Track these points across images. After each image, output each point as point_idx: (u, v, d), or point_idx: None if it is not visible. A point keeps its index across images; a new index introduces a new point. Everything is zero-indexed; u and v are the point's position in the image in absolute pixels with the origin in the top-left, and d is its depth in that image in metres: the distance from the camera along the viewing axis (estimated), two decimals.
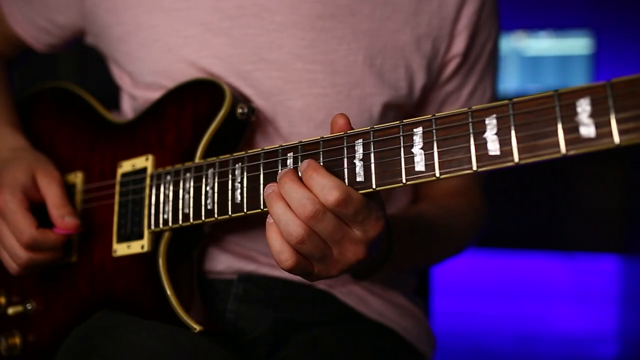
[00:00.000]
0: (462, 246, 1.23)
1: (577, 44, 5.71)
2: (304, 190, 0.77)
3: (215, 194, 0.93)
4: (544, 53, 5.82)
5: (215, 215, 0.93)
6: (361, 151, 0.80)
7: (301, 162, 0.80)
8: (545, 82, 5.75)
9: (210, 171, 0.94)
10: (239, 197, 0.90)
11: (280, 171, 0.81)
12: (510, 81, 5.78)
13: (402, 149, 0.77)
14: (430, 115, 0.76)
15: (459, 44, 1.17)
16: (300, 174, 0.79)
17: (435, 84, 1.20)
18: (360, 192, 0.79)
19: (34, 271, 1.09)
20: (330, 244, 0.79)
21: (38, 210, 1.06)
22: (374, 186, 0.78)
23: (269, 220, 0.80)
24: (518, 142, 0.69)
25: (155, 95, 1.11)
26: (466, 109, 0.74)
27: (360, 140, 0.80)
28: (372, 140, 0.79)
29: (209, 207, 0.94)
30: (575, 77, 5.66)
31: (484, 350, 3.75)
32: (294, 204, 0.77)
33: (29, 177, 1.08)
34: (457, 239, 1.22)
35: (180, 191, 0.98)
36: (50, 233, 1.04)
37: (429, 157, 0.75)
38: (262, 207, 0.87)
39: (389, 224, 0.92)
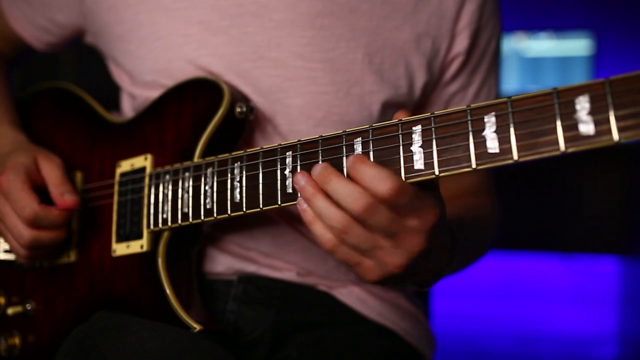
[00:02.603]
0: (486, 248, 1.22)
1: (577, 45, 5.72)
2: (352, 185, 0.76)
3: (214, 193, 0.93)
4: (544, 54, 5.84)
5: (215, 215, 0.93)
6: (360, 150, 0.80)
7: (346, 159, 0.79)
8: (545, 83, 5.76)
9: (209, 170, 0.94)
10: (238, 196, 0.90)
11: (316, 167, 0.79)
12: (510, 82, 5.79)
13: (401, 147, 0.77)
14: (429, 114, 0.76)
15: (461, 43, 1.17)
16: (347, 170, 0.78)
17: (438, 84, 1.20)
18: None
19: (38, 255, 1.08)
20: (385, 236, 0.77)
21: (41, 193, 1.06)
22: None
23: (307, 214, 0.80)
24: (517, 140, 0.69)
25: (154, 94, 1.11)
26: (465, 107, 0.74)
27: (359, 139, 0.80)
28: (371, 138, 0.79)
29: (208, 206, 0.94)
30: (575, 78, 5.67)
31: (484, 351, 3.75)
32: (345, 200, 0.75)
33: (32, 161, 1.08)
34: (486, 241, 1.21)
35: (179, 190, 0.98)
36: (52, 209, 1.03)
37: (428, 156, 0.75)
38: (261, 206, 0.87)
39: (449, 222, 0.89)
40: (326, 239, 0.79)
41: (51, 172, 1.07)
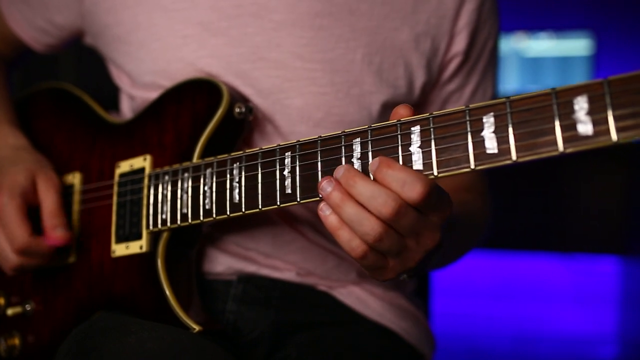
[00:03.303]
0: (475, 243, 1.22)
1: (577, 45, 5.72)
2: (379, 187, 0.74)
3: (214, 194, 0.93)
4: (544, 54, 5.84)
5: (214, 215, 0.93)
6: (359, 150, 0.80)
7: (371, 161, 0.78)
8: (545, 83, 5.76)
9: (208, 171, 0.94)
10: (237, 196, 0.90)
11: (339, 170, 0.77)
12: (510, 82, 5.79)
13: (399, 147, 0.77)
14: (427, 114, 0.76)
15: (460, 43, 1.17)
16: (372, 174, 0.76)
17: (437, 83, 1.20)
18: None
19: (26, 273, 1.11)
20: (408, 236, 0.77)
21: (34, 212, 1.07)
22: None
23: (331, 220, 0.77)
24: (516, 140, 0.69)
25: (153, 95, 1.11)
26: (463, 107, 0.74)
27: (358, 139, 0.80)
28: (369, 139, 0.79)
29: (207, 207, 0.94)
30: (575, 78, 5.67)
31: (484, 351, 3.75)
32: (372, 204, 0.74)
33: (30, 180, 1.08)
34: (475, 237, 1.21)
35: (179, 191, 0.98)
36: (42, 241, 1.05)
37: (426, 156, 0.75)
38: (260, 206, 0.87)
39: None
40: (354, 246, 0.77)
41: (48, 196, 1.08)
